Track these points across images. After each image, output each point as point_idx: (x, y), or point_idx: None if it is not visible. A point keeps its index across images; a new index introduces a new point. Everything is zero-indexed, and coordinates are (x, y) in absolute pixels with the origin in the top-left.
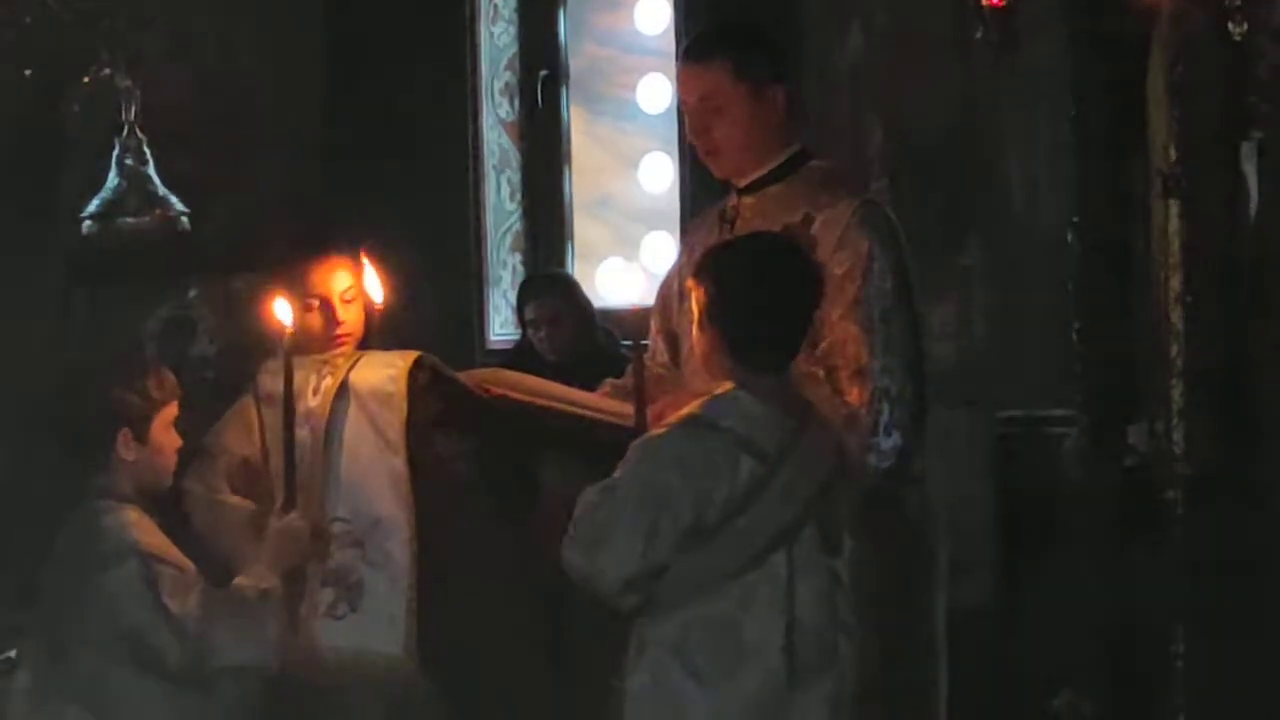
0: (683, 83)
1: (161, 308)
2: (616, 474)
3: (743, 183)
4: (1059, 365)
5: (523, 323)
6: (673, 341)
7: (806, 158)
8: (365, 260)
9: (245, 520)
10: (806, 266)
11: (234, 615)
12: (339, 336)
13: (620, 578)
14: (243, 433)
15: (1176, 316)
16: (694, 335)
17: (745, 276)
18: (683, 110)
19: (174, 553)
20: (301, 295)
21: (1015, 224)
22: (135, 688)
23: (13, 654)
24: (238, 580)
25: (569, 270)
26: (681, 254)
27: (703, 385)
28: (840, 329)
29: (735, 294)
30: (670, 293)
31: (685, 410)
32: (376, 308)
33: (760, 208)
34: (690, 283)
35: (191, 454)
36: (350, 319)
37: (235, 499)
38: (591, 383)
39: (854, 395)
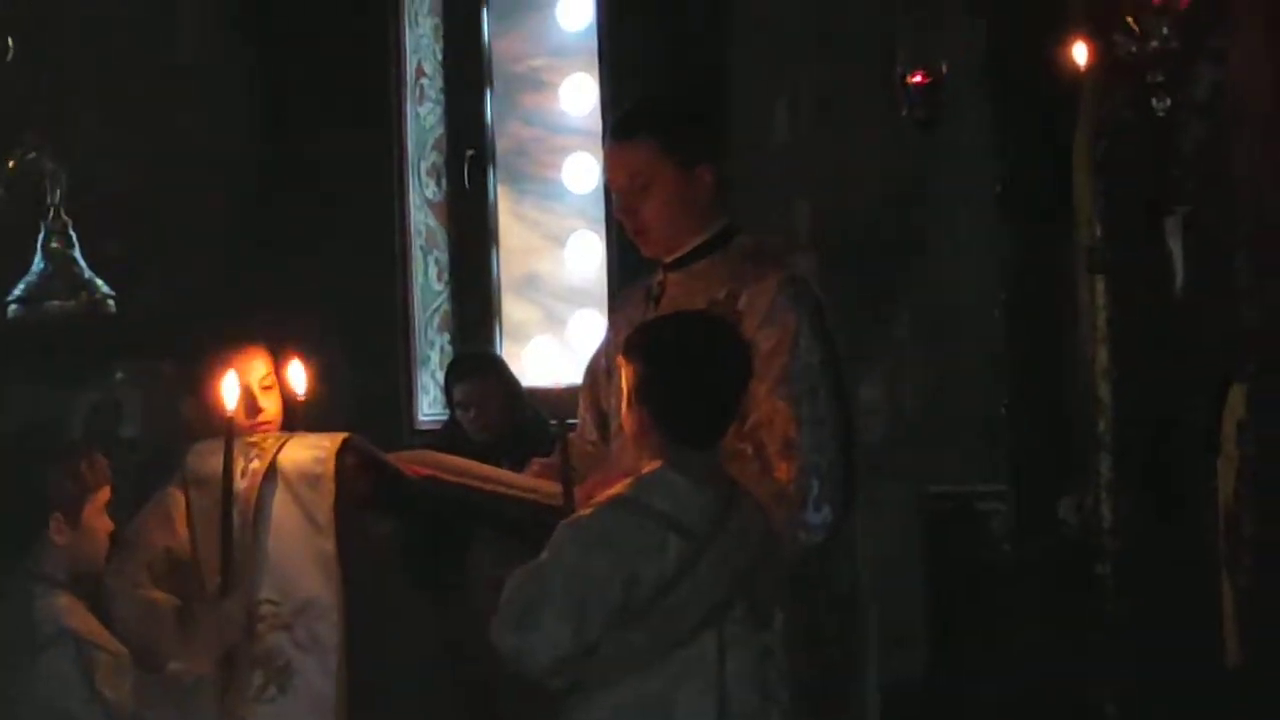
0: (610, 161)
1: (88, 391)
2: (545, 554)
3: (670, 259)
4: (988, 440)
5: (451, 403)
6: (601, 419)
7: (733, 234)
8: (289, 353)
9: (167, 613)
10: (736, 344)
11: (170, 702)
12: (258, 425)
13: (550, 658)
14: (164, 523)
15: (1104, 391)
16: (623, 413)
17: (675, 354)
18: (610, 188)
19: (107, 637)
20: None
21: (943, 299)
22: None
23: None
24: (172, 667)
25: (497, 350)
26: (609, 331)
27: (631, 463)
28: (768, 405)
29: (665, 372)
30: (598, 370)
31: (613, 490)
32: (299, 399)
33: (686, 284)
34: (620, 360)
35: (112, 546)
36: (269, 407)
37: (158, 594)
38: (520, 462)
39: (782, 471)
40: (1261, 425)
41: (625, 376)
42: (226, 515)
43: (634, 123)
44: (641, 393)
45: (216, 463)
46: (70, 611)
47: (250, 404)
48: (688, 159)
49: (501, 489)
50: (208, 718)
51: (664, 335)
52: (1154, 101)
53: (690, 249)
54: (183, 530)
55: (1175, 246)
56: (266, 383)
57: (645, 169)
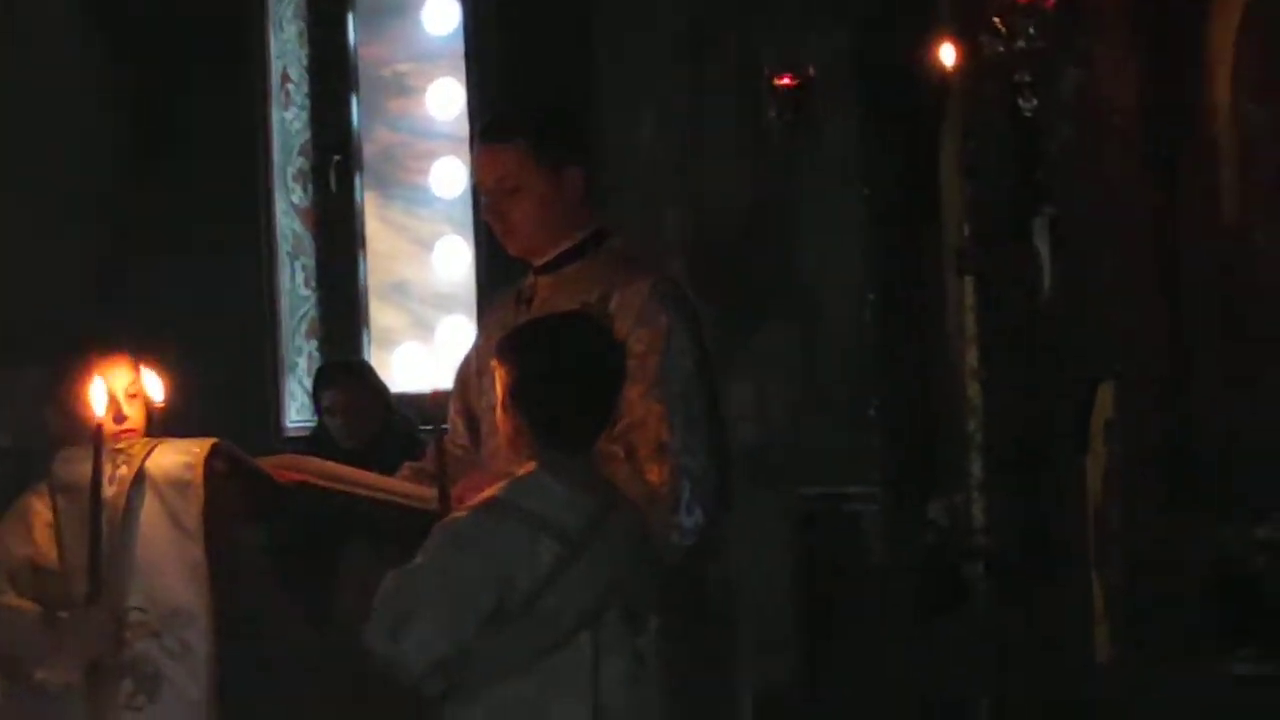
0: (479, 163)
1: None
2: (418, 558)
3: (540, 262)
4: (858, 442)
5: (319, 410)
6: (471, 422)
7: (603, 237)
8: (148, 360)
9: (31, 621)
10: (609, 345)
11: (38, 711)
12: (122, 432)
13: (423, 662)
14: (21, 533)
15: (974, 391)
16: (498, 416)
17: (547, 356)
18: (479, 191)
19: None
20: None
21: (812, 302)
22: None
23: None
24: (39, 675)
25: (365, 356)
26: (479, 335)
27: (504, 466)
28: (640, 407)
29: (538, 374)
30: (468, 373)
31: (487, 492)
32: (156, 407)
33: (557, 286)
34: (494, 364)
35: None
36: (134, 414)
37: (20, 601)
38: (390, 468)
39: (654, 473)
40: (1128, 424)
41: (499, 379)
42: (95, 522)
43: (503, 125)
44: (515, 395)
45: (83, 470)
46: None
47: (115, 411)
48: (557, 161)
49: (373, 493)
50: None
51: (536, 337)
52: (1021, 102)
53: (561, 252)
54: (42, 539)
55: (1043, 247)
56: (131, 390)
57: (514, 171)
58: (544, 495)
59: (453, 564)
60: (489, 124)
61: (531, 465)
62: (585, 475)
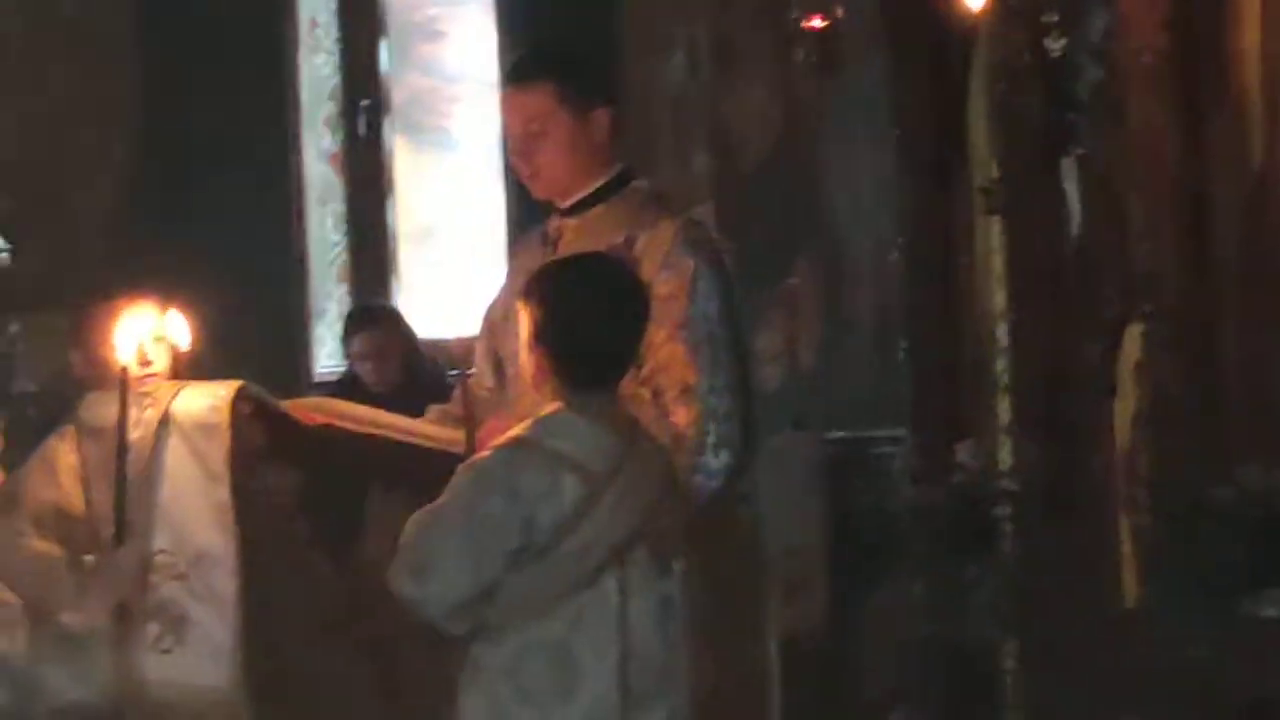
0: (506, 106)
1: None
2: (442, 498)
3: (565, 204)
4: (887, 385)
5: (349, 356)
6: (498, 366)
7: (629, 179)
8: (174, 304)
9: (57, 565)
10: (632, 284)
11: (65, 654)
12: (147, 376)
13: (449, 603)
14: (47, 477)
15: (1001, 333)
16: (523, 357)
17: (571, 296)
18: (506, 133)
19: None
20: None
21: (840, 245)
22: None
23: None
24: (64, 618)
25: (394, 301)
26: (506, 278)
27: (530, 408)
28: (666, 350)
29: (562, 313)
30: (495, 317)
31: (511, 432)
32: (182, 351)
33: (583, 229)
34: (519, 304)
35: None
36: (159, 358)
37: (46, 545)
38: (418, 412)
39: (680, 416)
40: (1156, 366)
41: (524, 320)
42: (120, 466)
43: (530, 67)
44: (540, 335)
45: (109, 413)
46: None
47: (140, 356)
48: (584, 103)
49: (399, 435)
50: (103, 669)
51: (561, 277)
52: (1048, 43)
53: (586, 194)
54: (66, 482)
55: (1071, 188)
56: (156, 334)
57: (542, 113)
58: (568, 434)
59: (476, 504)
60: (515, 66)
61: (556, 405)
62: (610, 415)
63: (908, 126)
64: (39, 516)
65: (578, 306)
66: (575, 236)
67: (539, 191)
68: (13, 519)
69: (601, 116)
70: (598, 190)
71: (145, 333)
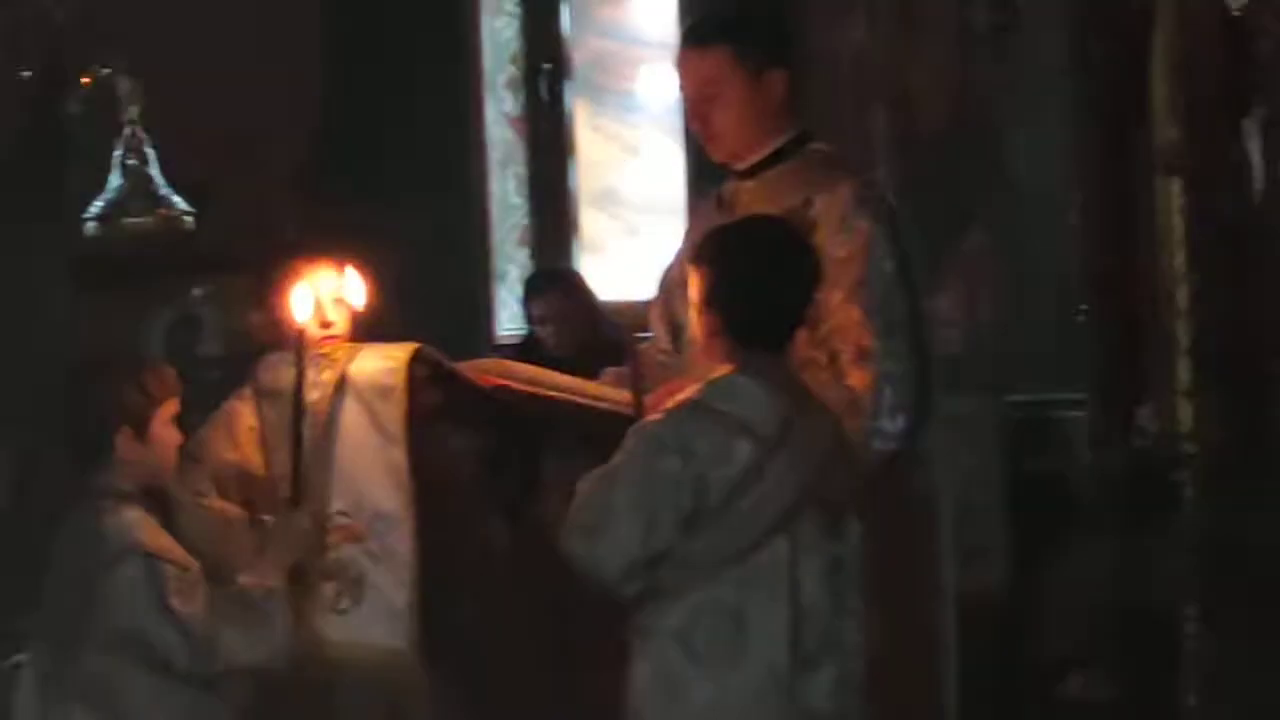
0: (682, 69)
1: (167, 307)
2: (614, 460)
3: (741, 167)
4: (1067, 348)
5: (529, 320)
6: (675, 329)
7: (806, 141)
8: (348, 266)
9: (236, 524)
10: (802, 247)
11: (242, 615)
12: (326, 338)
13: (620, 565)
14: (225, 437)
15: (1181, 295)
16: (692, 319)
17: (740, 258)
18: (682, 96)
19: (178, 551)
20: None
21: (1020, 207)
22: (141, 687)
23: (23, 658)
24: (242, 579)
25: (575, 264)
26: (684, 242)
27: (704, 372)
28: (842, 312)
29: (731, 276)
30: (671, 280)
31: (682, 395)
32: (359, 312)
33: (760, 192)
34: (689, 267)
35: (178, 460)
36: (339, 320)
37: (223, 504)
38: (597, 376)
39: (856, 379)
40: None
41: (694, 282)
42: (297, 427)
43: (706, 30)
44: (710, 297)
45: (286, 375)
46: (139, 525)
47: (320, 317)
48: (760, 65)
49: (573, 397)
50: (279, 631)
51: (731, 239)
52: (1231, 2)
53: (762, 157)
54: (245, 443)
55: (1253, 148)
56: (336, 296)
57: (718, 76)
58: (739, 397)
59: (648, 466)
60: (692, 29)
61: (726, 368)
62: (780, 377)
63: (1087, 88)
64: (220, 477)
65: (746, 269)
66: (752, 199)
67: (716, 154)
68: (194, 479)
69: (777, 79)
70: (774, 152)
71: (325, 295)
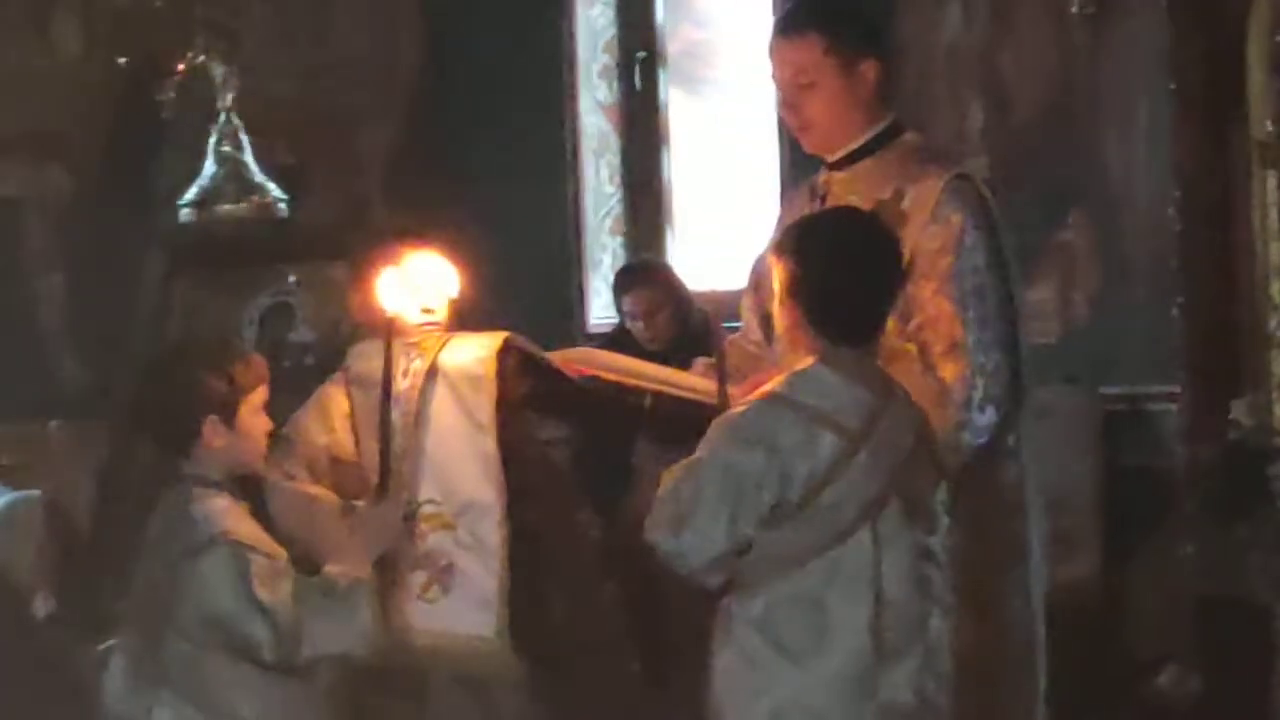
0: (775, 58)
1: (262, 294)
2: (698, 452)
3: (834, 158)
4: (1161, 341)
5: (620, 312)
6: (766, 320)
7: (899, 131)
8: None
9: (327, 509)
10: (885, 240)
11: (328, 605)
12: (427, 324)
13: (704, 557)
14: (319, 421)
15: (1275, 289)
16: (776, 310)
17: (822, 250)
18: (774, 86)
19: (265, 540)
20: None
21: (1115, 199)
22: (227, 673)
23: (113, 641)
24: (329, 568)
25: (668, 253)
26: (774, 232)
27: (791, 363)
28: (933, 305)
29: (813, 268)
30: (763, 271)
31: (766, 387)
32: (453, 299)
33: (851, 183)
34: (773, 258)
35: (272, 443)
36: (439, 308)
37: (315, 488)
38: (689, 366)
39: (947, 371)
40: None
41: (778, 274)
42: (385, 416)
43: (799, 19)
44: (793, 289)
45: (378, 363)
46: (227, 514)
47: (422, 305)
48: (852, 55)
49: (661, 387)
50: (364, 619)
51: (813, 231)
52: None
53: (855, 147)
54: (340, 428)
55: None
56: (437, 284)
57: (810, 66)
58: (822, 389)
59: (732, 458)
60: (784, 17)
61: (810, 359)
62: (863, 369)
63: (1184, 78)
64: (313, 460)
65: (826, 262)
66: (843, 190)
67: (809, 145)
68: (287, 463)
69: (870, 68)
70: (866, 143)
71: (426, 282)
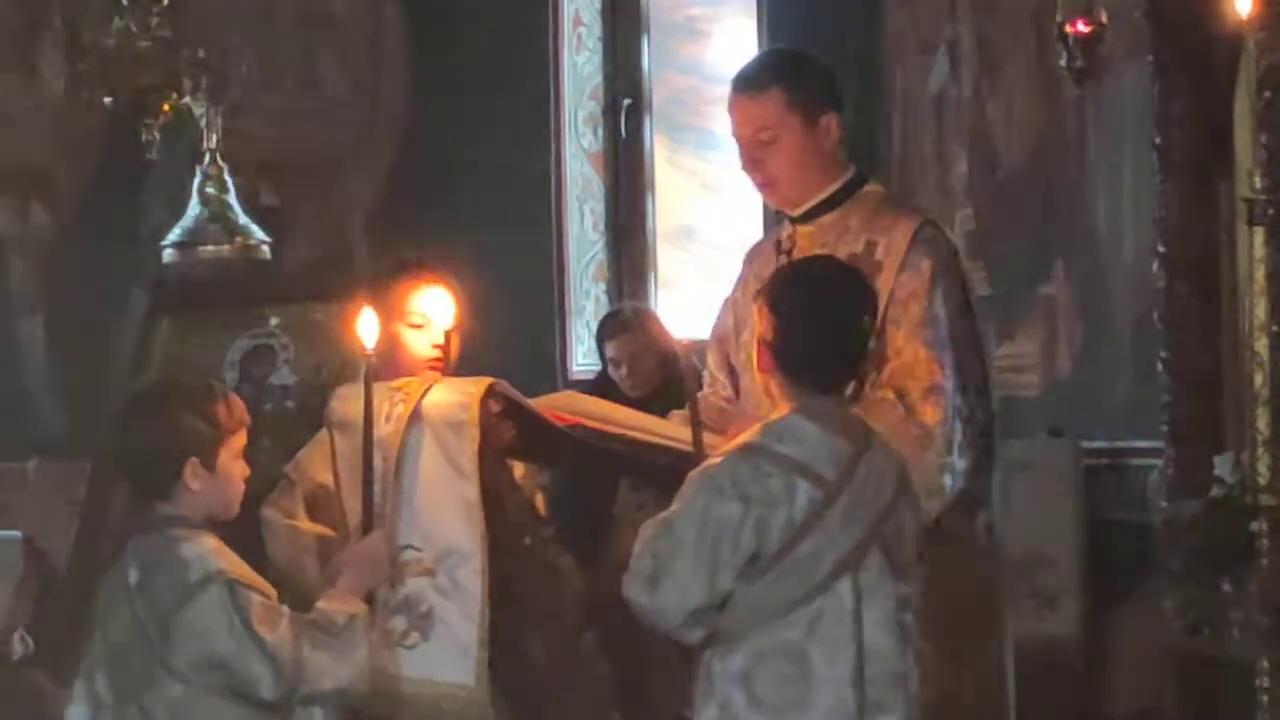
0: (735, 115)
1: (242, 336)
2: (674, 505)
3: (797, 212)
4: (1145, 396)
5: (603, 359)
6: (733, 375)
7: (861, 183)
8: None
9: (311, 541)
10: (860, 289)
11: (326, 640)
12: (436, 360)
13: (683, 611)
14: (321, 460)
15: (1261, 345)
16: (754, 360)
17: (799, 300)
18: (736, 142)
19: (257, 579)
20: (404, 316)
21: (1100, 253)
22: (222, 715)
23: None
24: (322, 605)
25: (652, 301)
26: (735, 288)
27: (766, 414)
28: (908, 351)
29: (789, 318)
30: (725, 327)
31: (741, 438)
32: (450, 332)
33: (817, 235)
34: (755, 307)
35: (274, 482)
36: (448, 344)
37: (315, 526)
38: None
39: (928, 414)
40: None
41: (757, 322)
42: (367, 458)
43: (759, 74)
44: (769, 338)
45: (359, 407)
46: (218, 554)
47: (432, 341)
48: (814, 109)
49: (644, 435)
50: (362, 654)
51: (789, 281)
52: None
53: (818, 201)
54: (332, 469)
55: None
56: (447, 321)
57: (772, 121)
58: (798, 439)
59: (708, 510)
60: (744, 74)
61: (785, 410)
62: (841, 418)
63: (1170, 134)
64: (311, 496)
65: (803, 311)
66: (809, 243)
67: (773, 200)
68: (284, 501)
69: (830, 122)
70: (831, 196)
71: (436, 317)
